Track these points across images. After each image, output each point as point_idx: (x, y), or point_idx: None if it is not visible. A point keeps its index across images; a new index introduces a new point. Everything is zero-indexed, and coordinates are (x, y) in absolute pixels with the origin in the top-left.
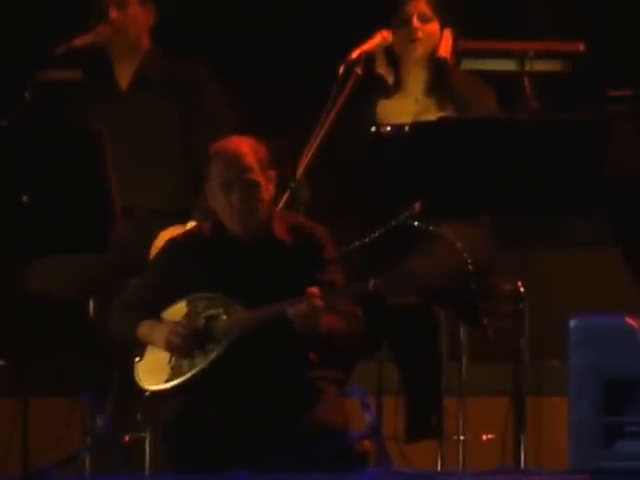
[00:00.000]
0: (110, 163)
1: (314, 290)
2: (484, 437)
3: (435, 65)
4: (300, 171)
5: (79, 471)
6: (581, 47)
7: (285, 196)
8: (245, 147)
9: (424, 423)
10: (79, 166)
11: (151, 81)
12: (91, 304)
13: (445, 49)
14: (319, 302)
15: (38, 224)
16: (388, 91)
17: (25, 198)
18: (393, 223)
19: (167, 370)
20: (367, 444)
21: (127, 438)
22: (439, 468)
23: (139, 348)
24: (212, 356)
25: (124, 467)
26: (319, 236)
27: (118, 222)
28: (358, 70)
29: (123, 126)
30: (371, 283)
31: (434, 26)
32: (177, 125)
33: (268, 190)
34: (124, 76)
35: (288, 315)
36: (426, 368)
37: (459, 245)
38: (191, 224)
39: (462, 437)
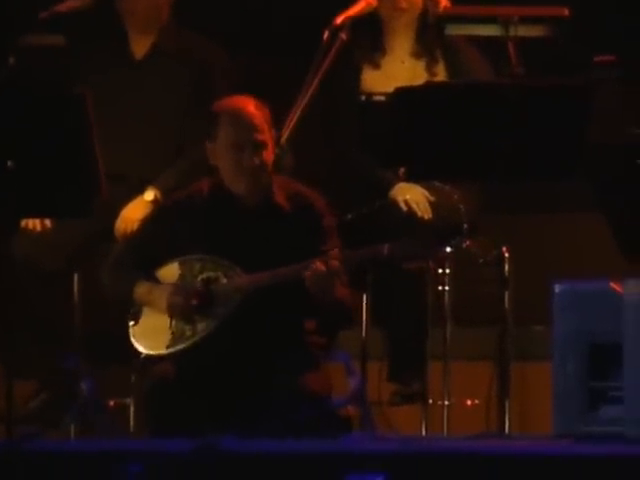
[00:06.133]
0: (93, 127)
1: (334, 253)
2: (468, 402)
3: (423, 26)
4: (284, 137)
5: (64, 436)
6: (565, 12)
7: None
8: (252, 106)
9: (407, 361)
10: (62, 130)
11: (166, 55)
12: (76, 276)
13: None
14: (337, 264)
15: (21, 188)
16: (374, 59)
17: (10, 163)
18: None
19: (167, 335)
20: (351, 409)
21: (112, 403)
22: (423, 433)
23: (133, 310)
24: (216, 321)
25: (108, 432)
26: (318, 205)
27: (103, 187)
28: (343, 35)
29: (132, 94)
30: (386, 248)
31: None
32: (185, 101)
33: (271, 151)
34: (140, 46)
35: (303, 275)
36: (410, 329)
37: (456, 196)
38: (149, 194)
39: (446, 402)
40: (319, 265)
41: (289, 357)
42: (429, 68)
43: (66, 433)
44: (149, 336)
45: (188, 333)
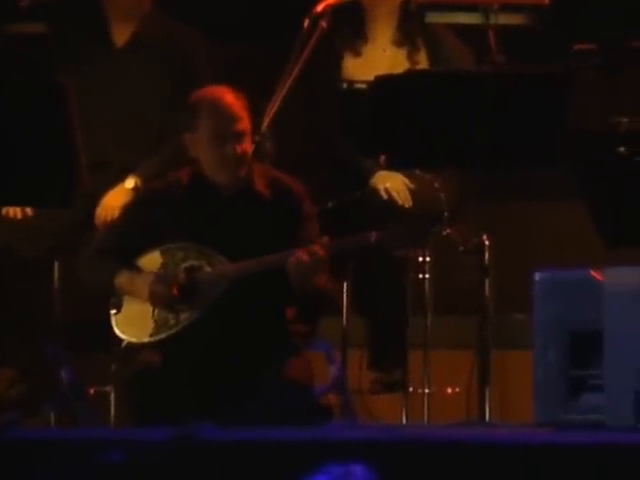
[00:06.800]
0: (75, 117)
1: (324, 240)
2: (449, 390)
3: (405, 15)
4: (265, 124)
5: (44, 424)
6: (545, 0)
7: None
8: (230, 96)
9: (388, 350)
10: (43, 119)
11: (148, 43)
12: (56, 264)
13: None
14: (323, 252)
15: (1, 177)
16: (355, 47)
17: None
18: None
19: (150, 323)
20: (332, 397)
21: (92, 391)
22: (404, 421)
23: (115, 299)
24: (200, 310)
25: (88, 420)
26: (297, 192)
27: (83, 177)
28: (323, 23)
29: (113, 82)
30: (373, 236)
31: None
32: (166, 89)
33: (251, 139)
34: (121, 34)
35: (287, 264)
36: (390, 318)
37: (436, 184)
38: (129, 182)
39: (427, 390)
40: (303, 253)
41: (272, 345)
42: (411, 56)
43: (46, 421)
44: (132, 324)
45: (172, 321)
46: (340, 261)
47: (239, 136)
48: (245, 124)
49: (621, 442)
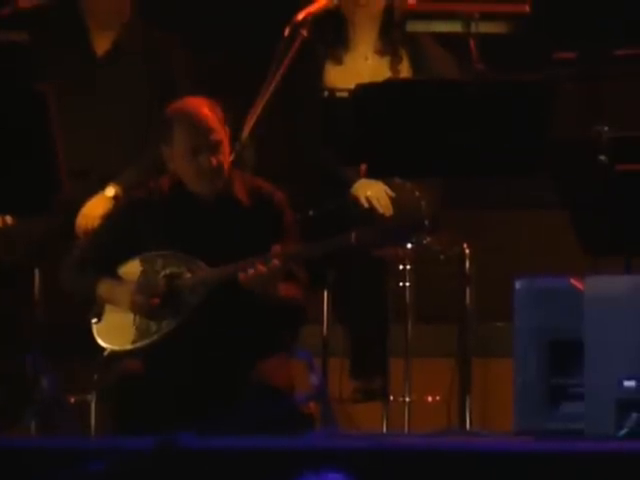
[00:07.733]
0: (56, 124)
1: (276, 249)
2: (430, 399)
3: (387, 23)
4: (245, 132)
5: (24, 433)
6: (526, 8)
7: (230, 158)
8: (205, 108)
9: (369, 358)
10: (23, 127)
11: (128, 51)
12: (36, 271)
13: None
14: (277, 263)
15: None
16: (336, 55)
17: None
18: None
19: (131, 331)
20: (313, 406)
21: (73, 400)
22: (385, 430)
23: (96, 307)
24: (181, 316)
25: (70, 429)
26: (278, 201)
27: (64, 184)
28: (304, 32)
29: (93, 91)
30: (353, 237)
31: None
32: (146, 98)
33: (228, 148)
34: (102, 43)
35: (239, 276)
36: (371, 326)
37: (417, 193)
38: (110, 190)
39: (408, 399)
40: (258, 264)
41: (254, 352)
42: (393, 66)
43: (26, 430)
44: (113, 333)
45: (153, 328)
46: (319, 271)
47: (213, 147)
48: (220, 135)
49: (600, 451)
